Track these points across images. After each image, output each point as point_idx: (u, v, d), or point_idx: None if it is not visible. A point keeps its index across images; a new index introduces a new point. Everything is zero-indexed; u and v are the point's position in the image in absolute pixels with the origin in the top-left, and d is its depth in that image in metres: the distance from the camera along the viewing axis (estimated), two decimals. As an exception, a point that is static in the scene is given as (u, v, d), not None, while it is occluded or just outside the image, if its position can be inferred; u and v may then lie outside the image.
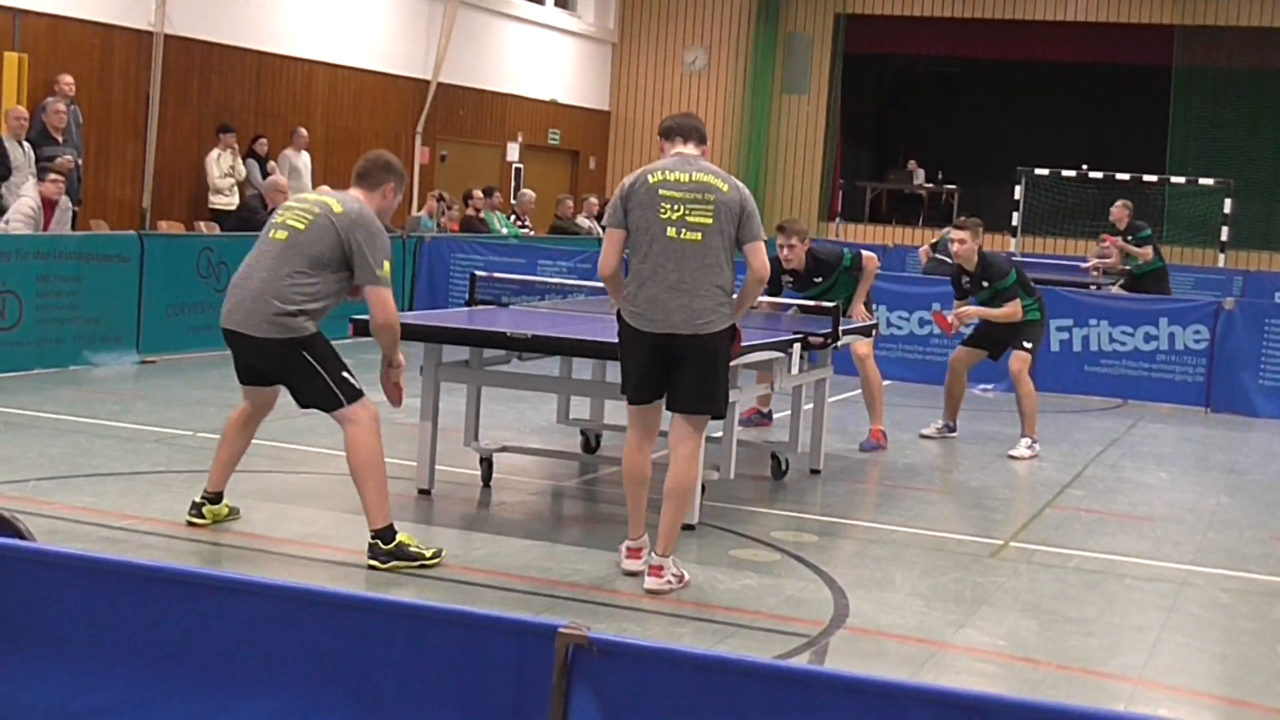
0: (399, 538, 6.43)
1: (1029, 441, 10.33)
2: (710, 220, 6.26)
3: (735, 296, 6.45)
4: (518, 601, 6.11)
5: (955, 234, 10.41)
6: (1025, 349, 10.36)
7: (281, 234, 6.45)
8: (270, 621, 2.99)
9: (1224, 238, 23.26)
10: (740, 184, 6.47)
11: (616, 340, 6.54)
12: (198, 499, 7.01)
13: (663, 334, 6.27)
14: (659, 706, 2.73)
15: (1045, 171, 23.74)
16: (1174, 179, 24.28)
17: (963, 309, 10.43)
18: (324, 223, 6.39)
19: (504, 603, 6.06)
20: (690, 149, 6.46)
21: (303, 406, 6.67)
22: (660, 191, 6.29)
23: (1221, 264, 23.12)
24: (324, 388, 6.46)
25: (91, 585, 3.09)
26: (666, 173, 6.34)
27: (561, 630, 2.77)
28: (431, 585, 6.27)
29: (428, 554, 6.46)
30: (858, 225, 27.49)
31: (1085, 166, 23.47)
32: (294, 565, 6.57)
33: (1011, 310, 10.23)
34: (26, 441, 8.73)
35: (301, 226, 6.41)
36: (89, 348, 11.96)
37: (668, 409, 6.49)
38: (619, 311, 6.47)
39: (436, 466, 8.00)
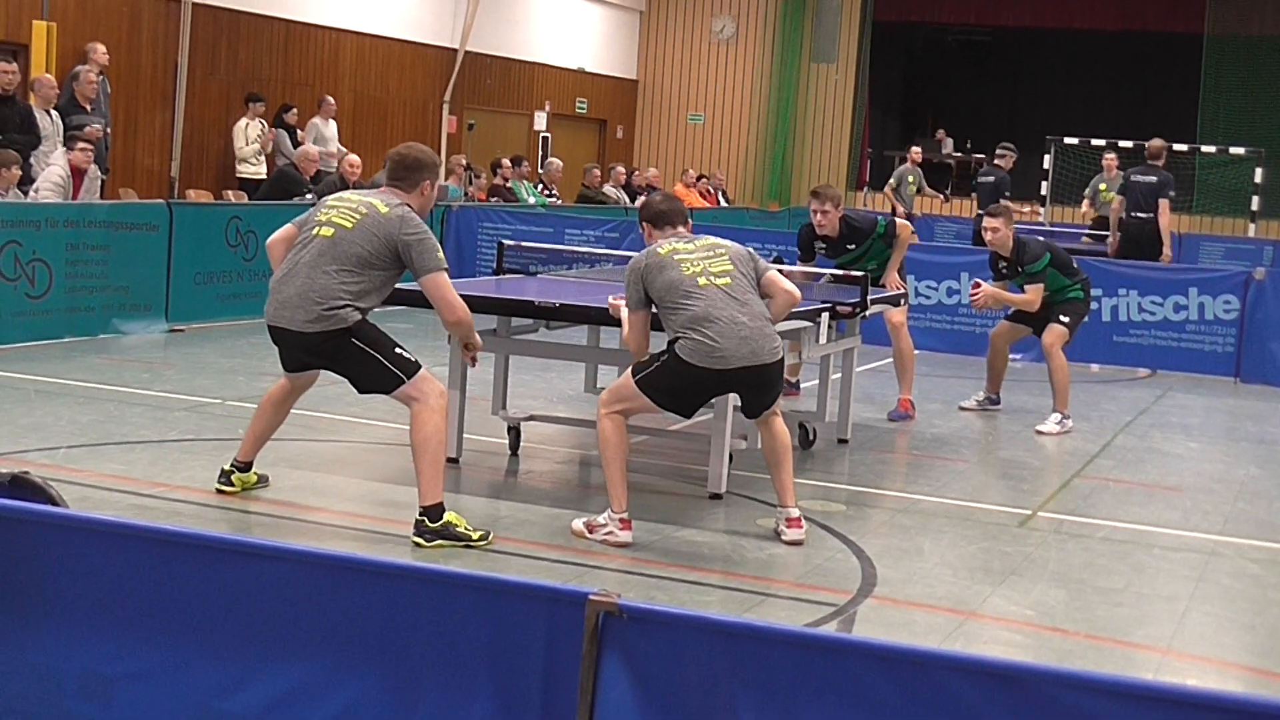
0: (446, 517, 6.40)
1: (1059, 417, 10.21)
2: (730, 266, 6.65)
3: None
4: (546, 570, 6.13)
5: (988, 222, 10.29)
6: (1062, 323, 10.22)
7: (328, 231, 6.41)
8: (302, 588, 3.01)
9: (1254, 207, 23.08)
10: (737, 245, 6.89)
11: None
12: (226, 466, 7.04)
13: (731, 369, 6.51)
14: (689, 673, 2.74)
15: (1075, 140, 23.58)
16: (1204, 148, 24.09)
17: (981, 290, 10.27)
18: (370, 223, 6.37)
19: (532, 571, 6.08)
20: (682, 231, 6.88)
21: (363, 392, 6.65)
22: (675, 257, 6.63)
23: (1252, 234, 22.95)
24: (381, 370, 6.43)
25: (125, 551, 3.11)
26: (676, 243, 6.72)
27: (592, 597, 2.78)
28: (459, 554, 6.29)
29: (474, 535, 6.42)
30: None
31: (1114, 138, 23.32)
32: (323, 533, 6.59)
33: (1032, 296, 10.11)
34: (56, 409, 8.78)
35: (349, 225, 6.38)
36: (118, 316, 12.01)
37: (748, 416, 6.94)
38: (672, 350, 6.59)
39: (464, 435, 8.02)
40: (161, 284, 12.47)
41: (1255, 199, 22.99)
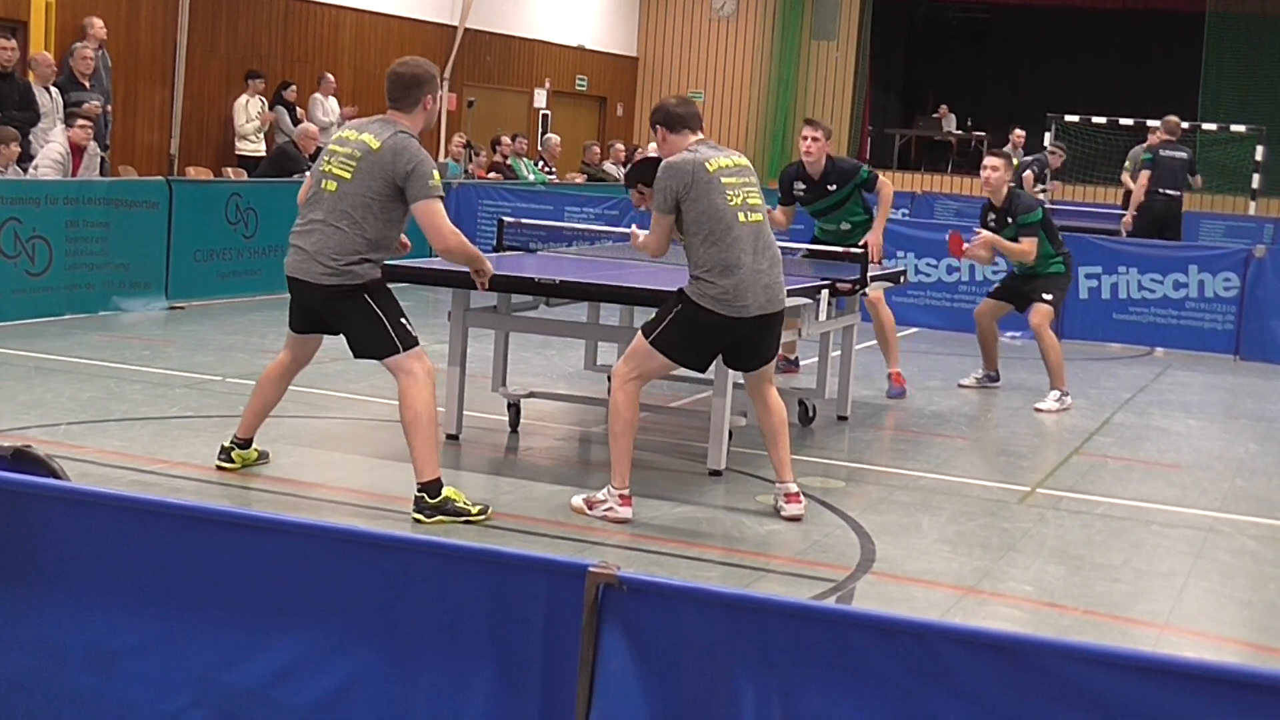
0: (445, 492, 6.41)
1: (1058, 394, 10.21)
2: (759, 199, 6.57)
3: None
4: (545, 545, 6.15)
5: (989, 161, 10.20)
6: (1045, 300, 10.16)
7: (331, 185, 6.43)
8: (303, 561, 3.02)
9: (1255, 185, 23.06)
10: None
11: (637, 286, 6.61)
12: (226, 444, 7.05)
13: (753, 316, 6.47)
14: (689, 645, 2.75)
15: (1076, 118, 23.55)
16: (1205, 125, 24.04)
17: (980, 236, 10.15)
18: (367, 165, 6.36)
19: (531, 546, 6.09)
20: (703, 138, 6.68)
21: (358, 355, 6.65)
22: (722, 180, 6.47)
23: (1252, 211, 22.94)
24: (383, 334, 6.45)
25: (127, 525, 3.12)
26: (719, 158, 6.53)
27: (592, 569, 2.79)
28: (459, 529, 6.30)
29: (474, 510, 6.43)
30: (886, 172, 27.22)
31: (1115, 116, 23.28)
32: (323, 509, 6.61)
33: (1028, 247, 10.02)
34: (57, 386, 8.79)
35: (348, 175, 6.37)
36: (118, 293, 12.01)
37: (742, 371, 6.85)
38: (685, 297, 6.51)
39: (464, 411, 8.03)
40: (161, 261, 12.47)
41: (1256, 177, 22.96)
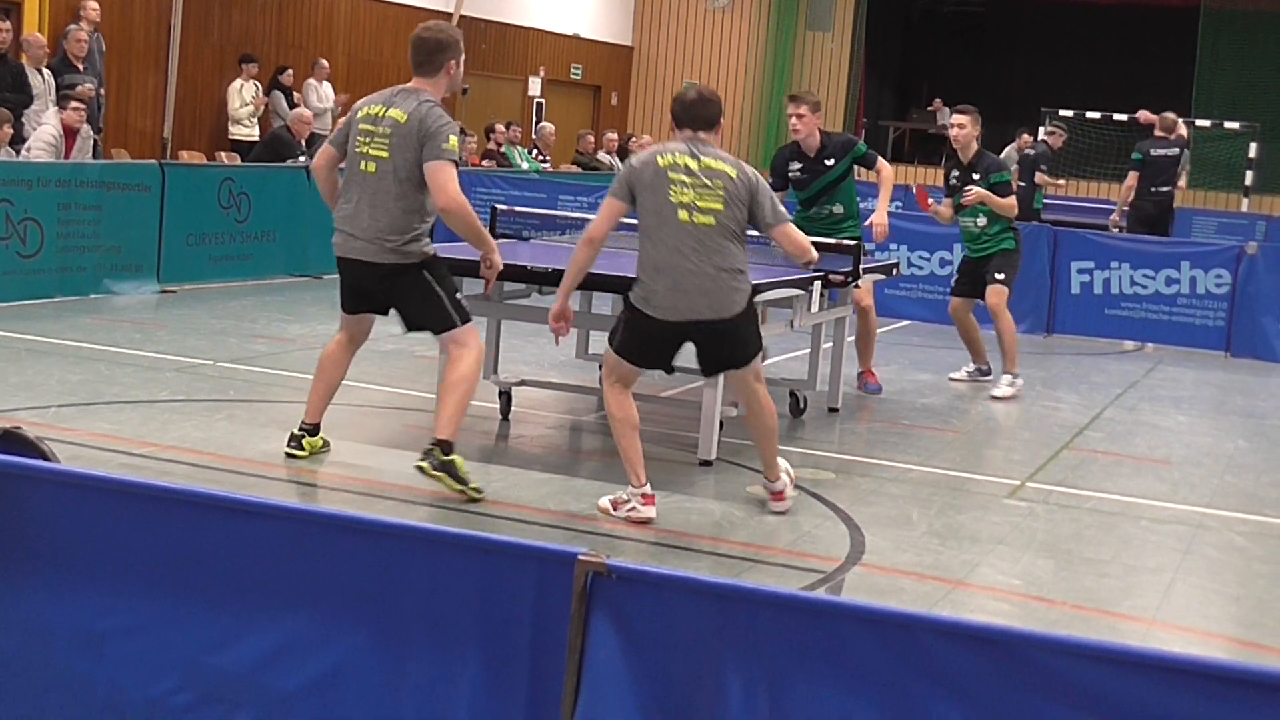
0: (455, 457, 6.47)
1: (1010, 378, 10.18)
2: (721, 206, 6.25)
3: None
4: (535, 533, 6.15)
5: (955, 118, 10.08)
6: (998, 280, 10.07)
7: (371, 166, 6.50)
8: (293, 545, 3.02)
9: (1248, 182, 23.09)
10: (748, 169, 6.42)
11: (630, 276, 6.51)
12: (296, 431, 7.00)
13: (686, 321, 6.29)
14: (677, 634, 2.75)
15: (1070, 112, 23.55)
16: (1199, 122, 24.05)
17: (972, 192, 9.94)
18: (400, 142, 6.43)
19: (521, 534, 6.09)
20: (702, 137, 6.41)
21: (411, 329, 6.77)
22: (670, 175, 6.25)
23: (1245, 208, 22.95)
24: (440, 308, 6.57)
25: (116, 508, 3.11)
26: (683, 156, 6.30)
27: (581, 557, 2.79)
28: (449, 516, 6.30)
29: (471, 485, 6.47)
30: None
31: (1109, 111, 23.29)
32: (314, 494, 6.61)
33: (1013, 202, 9.97)
34: (48, 368, 8.78)
35: (386, 155, 6.46)
36: (110, 276, 11.99)
37: (705, 374, 6.83)
38: (626, 299, 6.47)
39: (456, 399, 8.01)
40: (153, 245, 12.45)
41: (1249, 174, 22.99)
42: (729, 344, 6.44)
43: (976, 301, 10.49)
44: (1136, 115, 16.51)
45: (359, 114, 6.63)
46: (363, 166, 6.52)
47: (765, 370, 9.15)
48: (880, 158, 9.62)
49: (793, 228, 6.52)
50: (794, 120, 9.32)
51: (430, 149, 6.38)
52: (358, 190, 6.58)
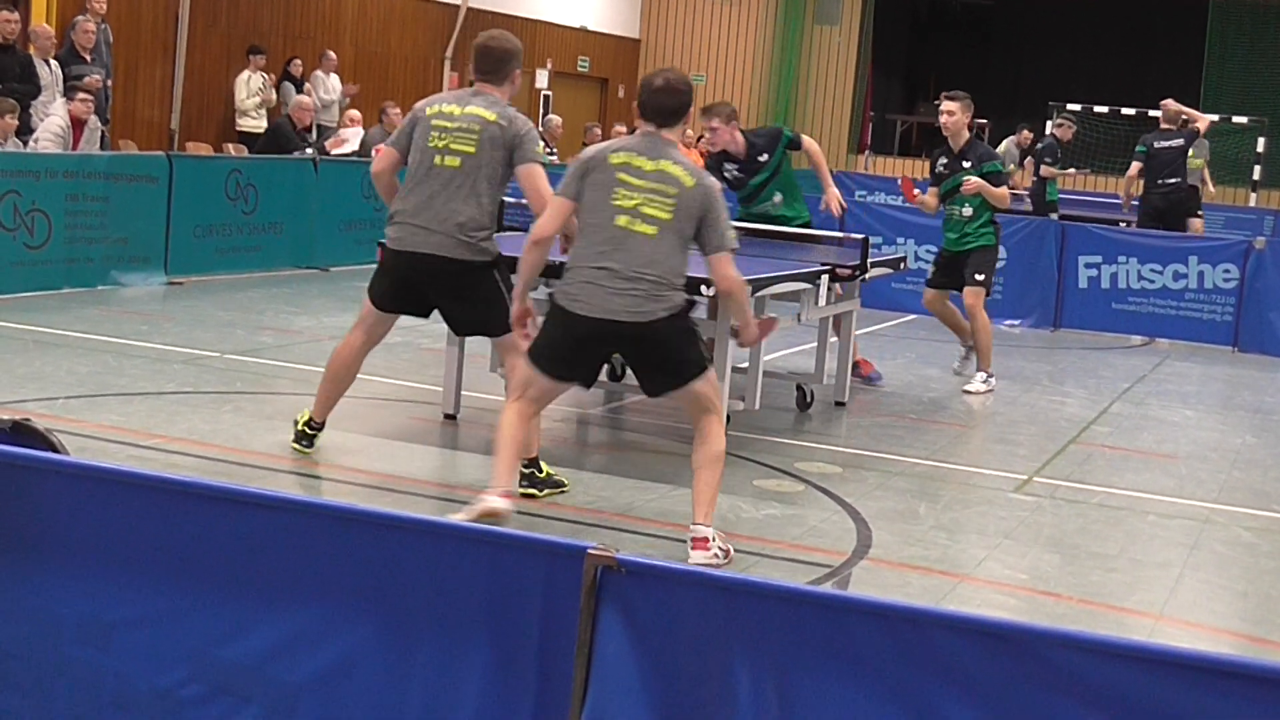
0: (546, 470, 6.64)
1: (984, 376, 10.17)
2: (669, 217, 5.74)
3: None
4: (541, 526, 6.15)
5: (945, 104, 9.99)
6: (978, 281, 9.99)
7: (453, 161, 6.49)
8: (301, 538, 3.02)
9: (1256, 176, 23.04)
10: (710, 178, 5.92)
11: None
12: (308, 430, 6.92)
13: (602, 320, 5.73)
14: (686, 628, 2.75)
15: (1078, 107, 23.50)
16: (1207, 116, 24.00)
17: (970, 183, 9.81)
18: (489, 140, 6.49)
19: (528, 527, 6.09)
20: (665, 137, 5.92)
21: (463, 332, 6.68)
22: (618, 176, 5.79)
23: (1253, 203, 22.92)
24: (504, 311, 6.44)
25: (125, 500, 3.12)
26: (638, 156, 5.83)
27: (590, 551, 2.79)
28: (456, 509, 6.30)
29: (565, 483, 6.71)
30: (887, 158, 27.30)
31: (1117, 105, 23.24)
32: (323, 486, 6.61)
33: (1005, 193, 9.90)
34: (55, 360, 8.79)
35: (472, 150, 6.48)
36: (117, 268, 12.00)
37: (652, 393, 6.04)
38: (550, 297, 6.04)
39: (462, 392, 8.02)
40: (161, 236, 12.46)
41: (1257, 168, 22.94)
42: (657, 356, 5.84)
43: (951, 293, 10.42)
44: (1163, 105, 16.18)
45: (426, 111, 6.61)
46: (440, 161, 6.50)
47: (773, 364, 9.17)
48: (803, 135, 9.61)
49: (731, 262, 5.85)
50: (708, 134, 9.27)
51: (522, 153, 6.50)
52: (430, 185, 6.52)
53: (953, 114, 9.94)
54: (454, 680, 2.94)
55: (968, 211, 9.99)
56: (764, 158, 9.33)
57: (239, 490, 3.14)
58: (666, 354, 5.85)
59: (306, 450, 6.95)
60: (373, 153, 13.76)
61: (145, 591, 3.11)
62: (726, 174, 9.33)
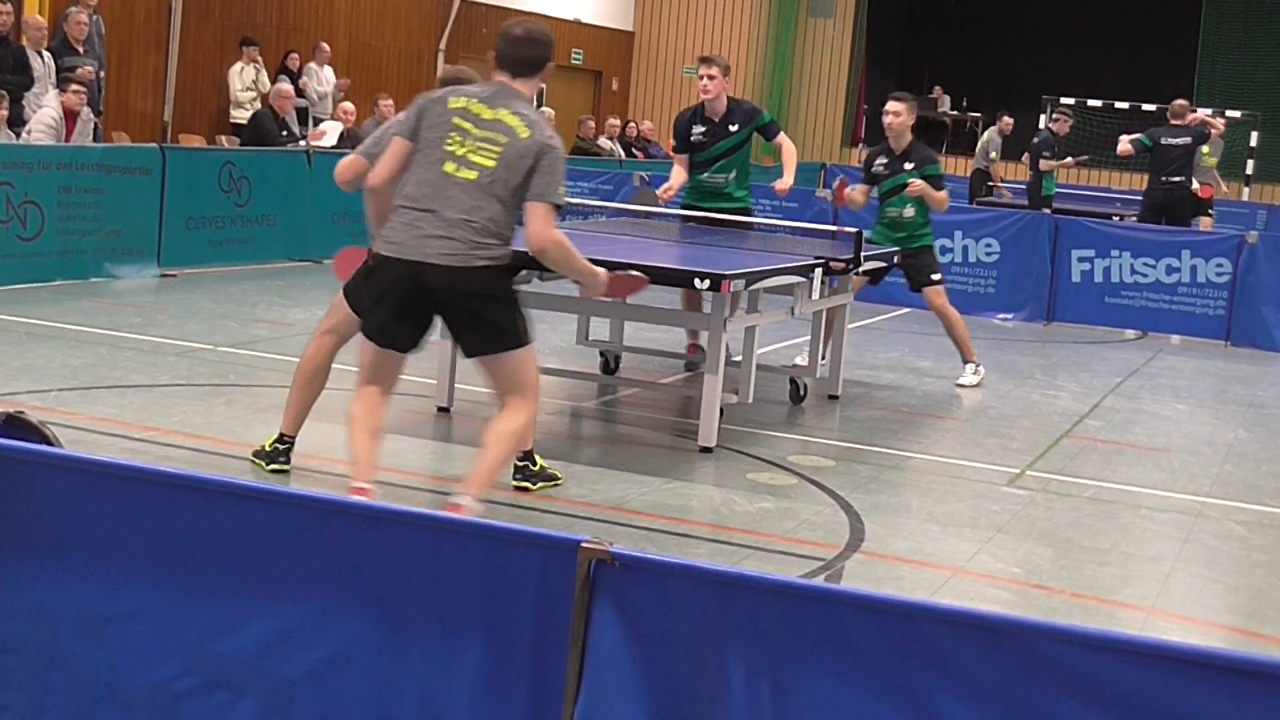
0: (540, 463, 6.65)
1: (973, 367, 10.18)
2: (494, 164, 5.47)
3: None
4: (535, 520, 6.15)
5: (891, 105, 9.97)
6: (934, 281, 9.95)
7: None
8: (296, 531, 3.02)
9: (1249, 171, 23.08)
10: (551, 133, 5.61)
11: (630, 262, 6.31)
12: (281, 446, 6.64)
13: (414, 262, 5.47)
14: (680, 621, 2.76)
15: (1071, 101, 23.53)
16: (1201, 110, 24.03)
17: (913, 185, 9.73)
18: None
19: (521, 521, 6.10)
20: (515, 90, 5.64)
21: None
22: (454, 121, 5.54)
23: (1246, 198, 22.96)
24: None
25: (121, 492, 3.12)
26: (478, 103, 5.57)
27: (584, 544, 2.80)
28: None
29: (559, 476, 6.74)
30: (880, 151, 27.27)
31: (1110, 99, 23.25)
32: (316, 480, 6.61)
33: (945, 196, 9.85)
34: (48, 352, 8.78)
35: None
36: (110, 260, 11.98)
37: (465, 354, 5.77)
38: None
39: (456, 385, 8.03)
40: (154, 228, 12.44)
41: (1250, 163, 22.98)
42: (471, 309, 5.55)
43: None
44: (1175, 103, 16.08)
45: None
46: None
47: (764, 357, 9.18)
48: (783, 132, 9.83)
49: (548, 217, 5.54)
50: (705, 81, 9.53)
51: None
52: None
53: (899, 115, 9.94)
54: (449, 673, 2.95)
55: (909, 212, 9.90)
56: (734, 128, 9.56)
57: (233, 483, 3.14)
58: (481, 310, 5.56)
59: (285, 468, 6.61)
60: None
61: (140, 585, 3.11)
62: (694, 136, 9.58)
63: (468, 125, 5.53)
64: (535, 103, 6.00)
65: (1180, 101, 16.27)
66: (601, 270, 5.97)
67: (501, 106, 5.56)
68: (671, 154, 10.14)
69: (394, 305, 5.55)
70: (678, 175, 9.75)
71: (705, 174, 9.66)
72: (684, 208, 9.98)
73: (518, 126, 5.52)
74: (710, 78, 9.46)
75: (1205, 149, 16.43)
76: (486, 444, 5.62)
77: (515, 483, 6.52)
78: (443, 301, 5.54)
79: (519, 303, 5.71)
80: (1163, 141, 15.55)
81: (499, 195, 5.50)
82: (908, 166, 9.88)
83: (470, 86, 5.76)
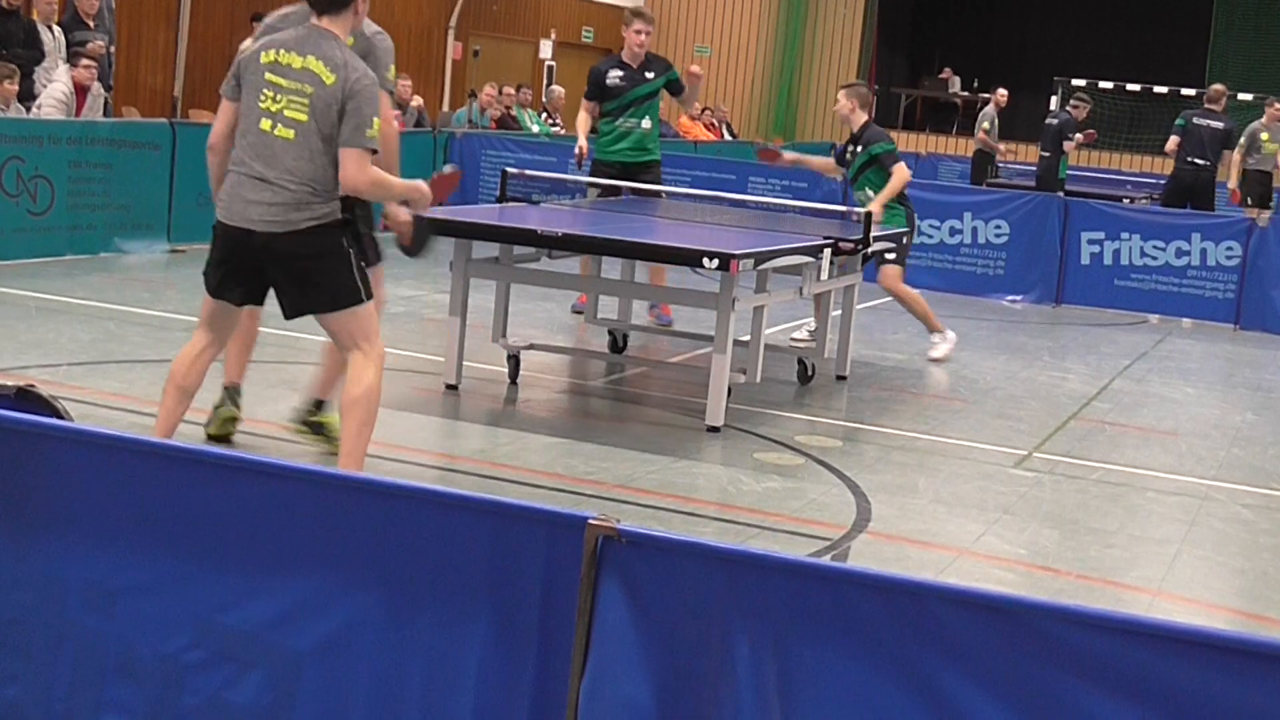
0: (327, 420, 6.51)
1: (939, 336, 10.22)
2: (305, 117, 5.40)
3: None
4: (542, 497, 6.17)
5: (839, 94, 10.23)
6: (889, 261, 9.88)
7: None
8: (304, 505, 3.03)
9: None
10: (357, 72, 5.41)
11: (639, 240, 6.36)
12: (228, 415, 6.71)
13: (240, 229, 5.51)
14: (686, 598, 2.77)
15: (1082, 82, 23.43)
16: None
17: (872, 207, 9.47)
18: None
19: (528, 498, 6.12)
20: (324, 30, 5.49)
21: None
22: (266, 76, 5.45)
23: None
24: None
25: (131, 466, 3.13)
26: (287, 53, 5.45)
27: (591, 521, 2.81)
28: (457, 480, 6.32)
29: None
30: (892, 132, 27.13)
31: (1122, 81, 23.16)
32: (324, 455, 6.62)
33: (899, 178, 9.70)
34: (58, 326, 8.80)
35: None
36: (120, 235, 11.99)
37: (285, 314, 5.76)
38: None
39: (464, 362, 8.04)
40: (164, 204, 12.45)
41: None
42: (298, 270, 5.52)
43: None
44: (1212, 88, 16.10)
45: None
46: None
47: (771, 337, 9.17)
48: (691, 109, 10.96)
49: (362, 160, 5.40)
50: (641, 36, 10.50)
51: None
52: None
53: (839, 103, 10.20)
54: (456, 648, 2.96)
55: (872, 194, 9.92)
56: (650, 75, 10.51)
57: (242, 458, 3.15)
58: (310, 269, 5.52)
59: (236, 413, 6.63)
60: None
61: (149, 558, 3.13)
62: (609, 80, 10.48)
63: (278, 79, 5.44)
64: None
65: (1217, 87, 16.32)
66: (420, 182, 5.84)
67: (310, 52, 5.43)
68: (584, 102, 10.89)
69: (231, 268, 5.66)
70: (584, 124, 10.76)
71: (620, 119, 10.50)
72: (597, 161, 10.61)
73: (323, 73, 5.39)
74: (646, 33, 10.49)
75: (1265, 135, 16.35)
76: (343, 414, 5.62)
77: (291, 424, 6.48)
78: (273, 263, 5.56)
79: (351, 257, 5.60)
80: (1195, 122, 15.61)
81: (317, 149, 5.42)
82: (858, 149, 10.03)
83: (281, 34, 5.60)
